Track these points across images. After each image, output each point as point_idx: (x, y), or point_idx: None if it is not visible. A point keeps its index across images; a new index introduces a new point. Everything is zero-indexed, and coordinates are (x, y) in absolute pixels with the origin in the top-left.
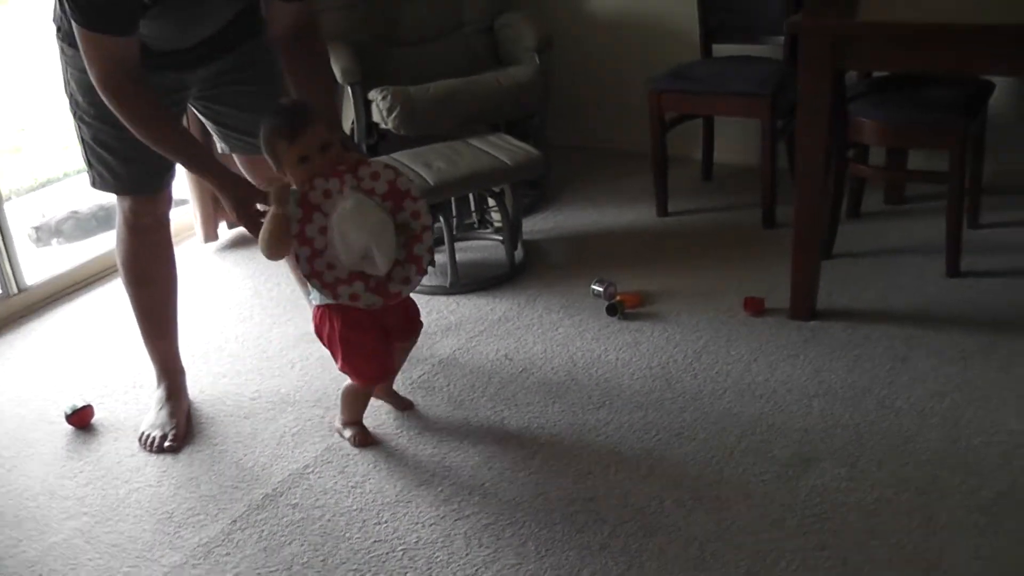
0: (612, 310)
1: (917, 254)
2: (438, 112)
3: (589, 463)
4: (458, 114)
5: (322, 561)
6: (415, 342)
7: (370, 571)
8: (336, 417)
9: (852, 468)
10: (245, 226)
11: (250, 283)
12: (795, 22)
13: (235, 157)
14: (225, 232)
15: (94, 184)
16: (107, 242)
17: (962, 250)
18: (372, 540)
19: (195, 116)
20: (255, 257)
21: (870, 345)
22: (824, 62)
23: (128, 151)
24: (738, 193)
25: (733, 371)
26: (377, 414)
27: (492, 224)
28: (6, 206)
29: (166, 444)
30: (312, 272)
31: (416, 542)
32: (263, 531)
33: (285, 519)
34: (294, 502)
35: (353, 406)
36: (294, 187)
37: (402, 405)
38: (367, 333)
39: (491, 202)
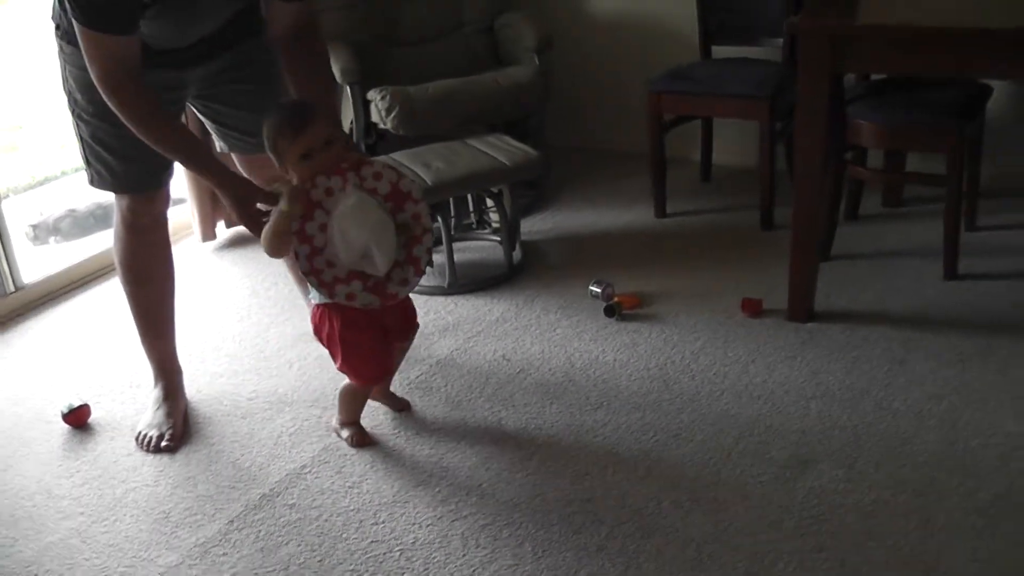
0: (610, 311)
1: (915, 256)
2: (437, 112)
3: (587, 464)
4: (457, 114)
5: (319, 561)
6: (412, 342)
7: (367, 571)
8: (333, 417)
9: (850, 470)
10: (245, 225)
11: (248, 282)
12: (794, 24)
13: (233, 156)
14: (223, 231)
15: (92, 182)
16: (105, 241)
17: (959, 253)
18: (369, 540)
19: (194, 115)
20: (253, 256)
21: (868, 347)
22: (823, 64)
23: (126, 149)
24: (736, 195)
25: (731, 372)
26: (375, 414)
27: (490, 224)
28: (3, 204)
29: (163, 444)
30: (311, 270)
31: (413, 542)
32: (260, 531)
33: (282, 519)
34: (291, 502)
35: (351, 406)
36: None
37: (399, 406)
38: (366, 333)
39: (489, 202)
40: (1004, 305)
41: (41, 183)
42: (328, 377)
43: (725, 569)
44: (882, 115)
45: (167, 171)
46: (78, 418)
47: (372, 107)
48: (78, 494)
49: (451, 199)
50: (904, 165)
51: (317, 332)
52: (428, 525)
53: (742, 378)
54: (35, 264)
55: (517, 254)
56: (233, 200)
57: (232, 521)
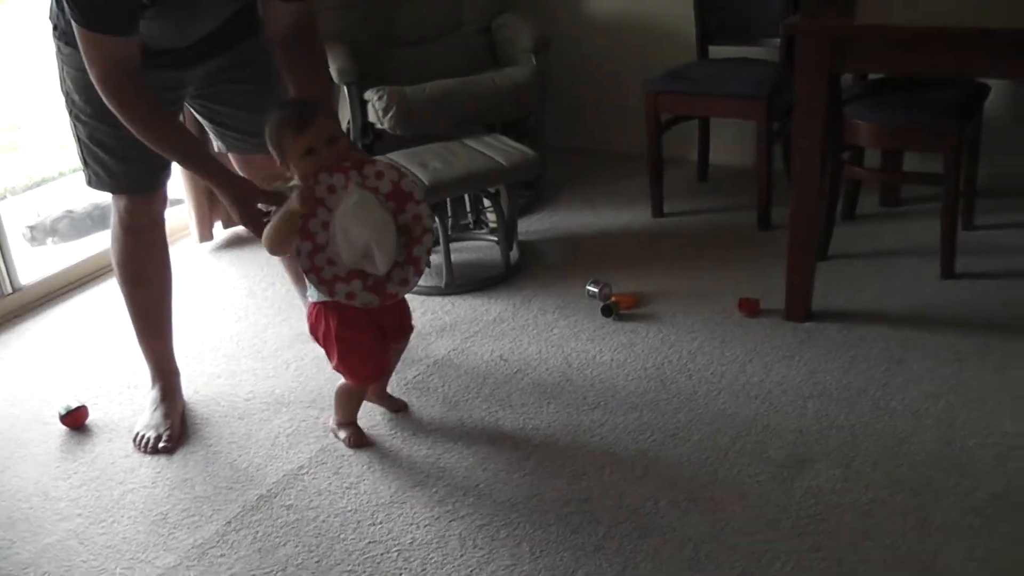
0: (607, 311)
1: (912, 256)
2: (434, 112)
3: (584, 464)
4: (454, 114)
5: (316, 562)
6: (406, 344)
7: (365, 572)
8: (331, 418)
9: (847, 469)
10: (245, 225)
11: (245, 283)
12: (792, 24)
13: (230, 156)
14: (220, 232)
15: (90, 183)
16: (102, 242)
17: (957, 252)
18: (367, 541)
19: (191, 115)
20: (250, 257)
21: (865, 346)
22: (821, 64)
23: (124, 150)
24: (734, 194)
25: (728, 372)
26: (372, 415)
27: (487, 225)
28: (1, 205)
29: (160, 445)
30: (311, 267)
31: (411, 543)
32: (258, 532)
33: (280, 520)
34: (289, 503)
35: (347, 406)
36: (295, 181)
37: (396, 407)
38: (363, 332)
39: (487, 203)
40: (1001, 304)
41: (39, 184)
42: (325, 378)
43: (722, 569)
44: (880, 115)
45: (165, 172)
46: (76, 419)
47: (369, 107)
48: (76, 496)
49: (448, 199)
50: (901, 165)
51: (313, 331)
52: (426, 525)
53: (739, 378)
54: (32, 265)
55: (514, 254)
56: (233, 200)
57: (230, 522)
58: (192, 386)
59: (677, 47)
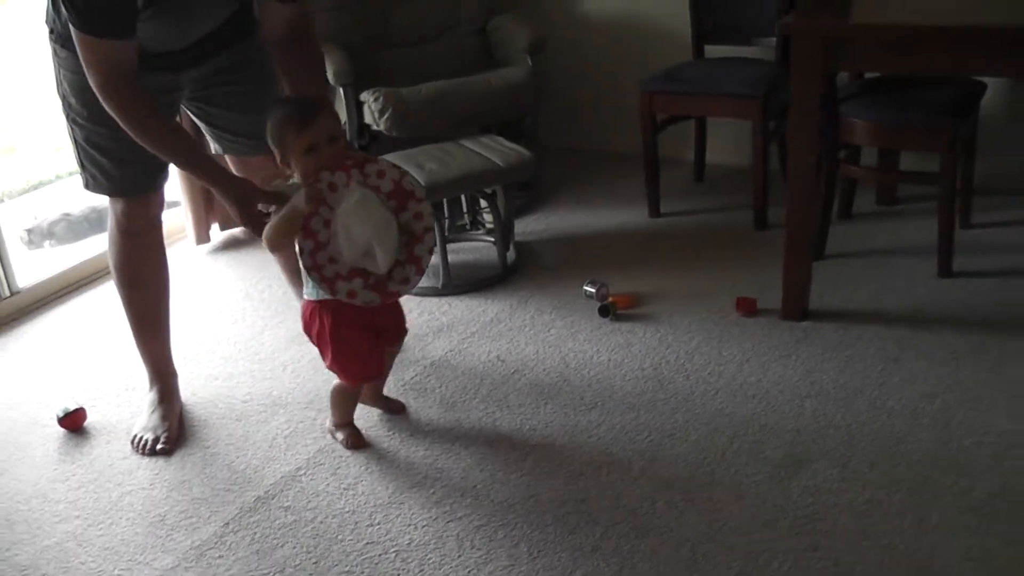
0: (604, 311)
1: (909, 255)
2: (430, 113)
3: (581, 464)
4: (450, 115)
5: (314, 563)
6: (400, 347)
7: (363, 573)
8: (328, 419)
9: (844, 469)
10: (246, 225)
11: (242, 285)
12: (787, 23)
13: (227, 158)
14: (217, 234)
15: (87, 186)
16: (99, 244)
17: (953, 251)
18: (364, 542)
19: (188, 117)
20: (247, 259)
21: (862, 346)
22: (816, 64)
23: (121, 153)
24: (730, 194)
25: (725, 372)
26: (369, 416)
27: (484, 225)
28: None
29: (158, 447)
30: (313, 265)
31: (408, 544)
32: (255, 533)
33: (277, 521)
34: (286, 504)
35: (342, 406)
36: (295, 179)
37: (393, 408)
38: (358, 331)
39: (483, 203)
40: (998, 303)
41: (36, 187)
42: (322, 379)
43: (719, 569)
44: (876, 113)
45: (162, 174)
46: (74, 422)
47: (365, 109)
48: (74, 498)
49: (445, 200)
50: (898, 163)
51: (307, 329)
52: (423, 526)
53: (736, 377)
54: (30, 268)
55: (511, 255)
56: (234, 201)
57: (227, 523)
58: (190, 388)
59: (673, 47)
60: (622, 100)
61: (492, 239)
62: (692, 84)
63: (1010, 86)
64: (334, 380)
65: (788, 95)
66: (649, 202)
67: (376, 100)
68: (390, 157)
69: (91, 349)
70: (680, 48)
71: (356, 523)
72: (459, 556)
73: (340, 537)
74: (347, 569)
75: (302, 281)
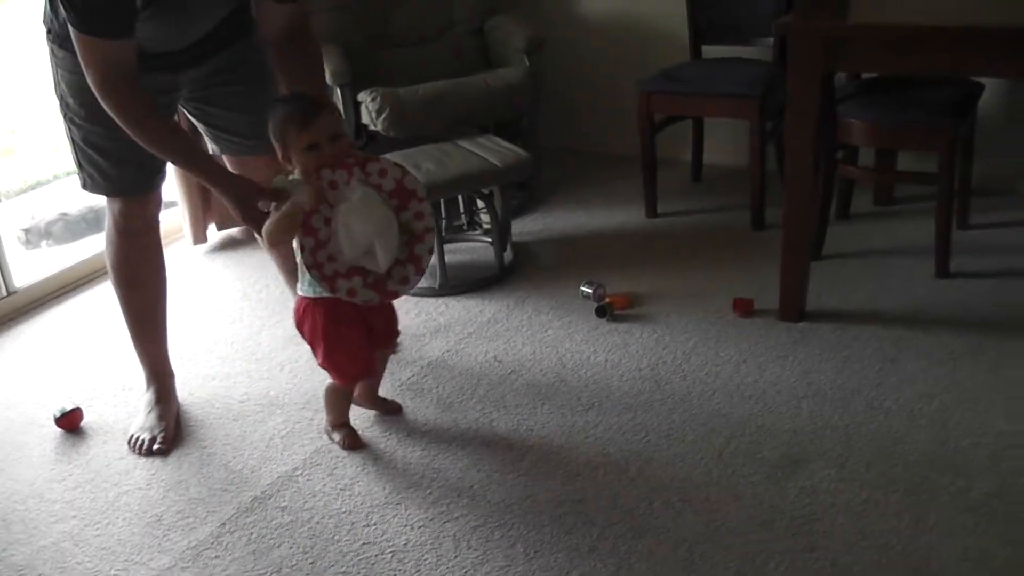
0: (601, 312)
1: (906, 255)
2: (427, 114)
3: (578, 465)
4: (447, 116)
5: (311, 564)
6: (392, 350)
7: (359, 573)
8: (324, 420)
9: (841, 469)
10: (247, 223)
11: (239, 285)
12: (785, 24)
13: (225, 158)
14: (214, 234)
15: (85, 186)
16: (97, 244)
17: (951, 251)
18: (361, 542)
19: (185, 118)
20: (244, 259)
21: (859, 346)
22: (814, 64)
23: (119, 153)
24: (727, 194)
25: (722, 372)
26: (366, 416)
27: (481, 226)
28: None
29: (155, 447)
30: (314, 263)
31: (405, 544)
32: (252, 534)
33: (274, 522)
34: (283, 505)
35: (337, 407)
36: (294, 175)
37: (390, 409)
38: (350, 330)
39: (480, 204)
40: (995, 304)
41: (33, 187)
42: (319, 380)
43: (716, 569)
44: (873, 114)
45: (159, 174)
46: (70, 422)
47: (362, 109)
48: (71, 498)
49: (442, 200)
50: (895, 164)
51: (299, 325)
52: (420, 527)
53: (733, 378)
54: (27, 268)
55: (508, 255)
56: (234, 200)
57: (224, 524)
58: (187, 388)
59: (670, 47)
60: (620, 100)
61: (489, 239)
62: (690, 84)
63: (1008, 87)
64: (329, 381)
65: (785, 95)
66: (646, 202)
67: (373, 100)
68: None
69: (88, 349)
70: (678, 48)
71: (353, 523)
72: (456, 556)
73: (337, 537)
74: (343, 569)
75: (297, 277)
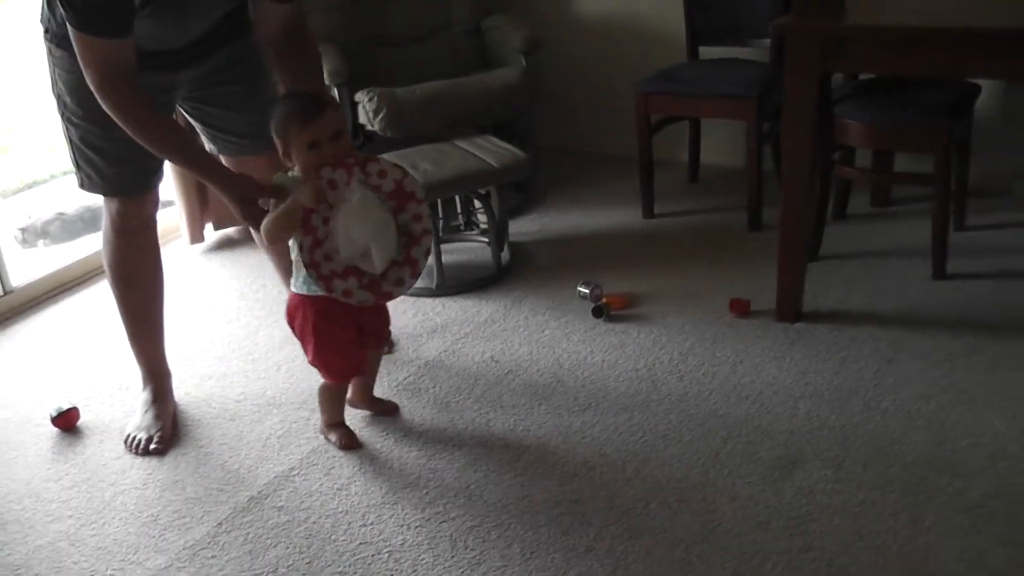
0: (598, 312)
1: (903, 256)
2: (424, 114)
3: (575, 465)
4: (444, 116)
5: (307, 564)
6: (383, 351)
7: (356, 573)
8: (320, 420)
9: (838, 470)
10: (247, 221)
11: (236, 285)
12: (782, 24)
13: (222, 159)
14: (211, 234)
15: (82, 185)
16: (93, 244)
17: (948, 252)
18: (358, 542)
19: (183, 118)
20: (241, 259)
21: (856, 347)
22: (811, 64)
23: (116, 152)
24: (724, 195)
25: (719, 373)
26: (362, 416)
27: (478, 226)
28: None
29: (152, 447)
30: (311, 262)
31: (401, 544)
32: (248, 534)
33: (270, 522)
34: (279, 504)
35: (331, 406)
36: (293, 173)
37: (386, 409)
38: (341, 328)
39: (477, 204)
40: (992, 305)
41: (30, 186)
42: (316, 379)
43: (713, 570)
44: (870, 115)
45: (156, 174)
46: (67, 421)
47: (360, 109)
48: (67, 497)
49: (439, 201)
50: (892, 165)
51: (290, 321)
52: (416, 527)
53: (730, 379)
54: (23, 267)
55: (505, 255)
56: (234, 198)
57: (220, 524)
58: (183, 388)
59: (667, 48)
60: (617, 101)
61: (486, 240)
62: (687, 85)
63: (1004, 88)
64: (322, 381)
65: (782, 96)
66: (643, 203)
67: (371, 100)
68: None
69: (85, 349)
70: (675, 49)
71: (349, 523)
72: (452, 557)
73: (333, 537)
74: (340, 569)
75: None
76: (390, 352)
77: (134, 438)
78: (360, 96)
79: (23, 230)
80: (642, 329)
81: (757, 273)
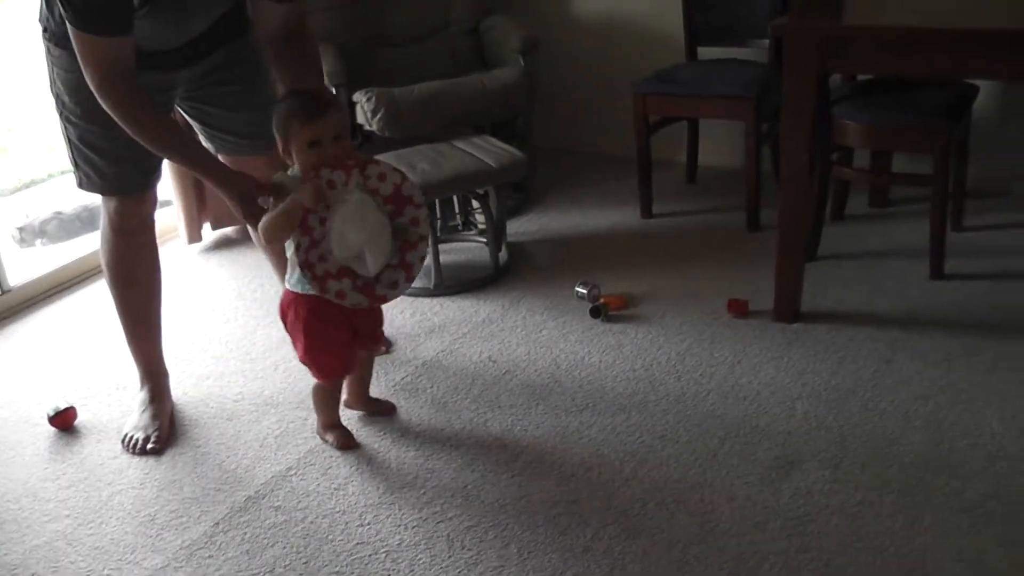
0: (596, 312)
1: (901, 257)
2: (422, 114)
3: (572, 465)
4: (442, 116)
5: (304, 563)
6: (376, 353)
7: (353, 573)
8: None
9: (836, 470)
10: (246, 219)
11: (234, 284)
12: (780, 25)
13: (220, 158)
14: (209, 233)
15: (80, 185)
16: (91, 243)
17: (946, 253)
18: (355, 542)
19: (181, 118)
20: (239, 259)
21: (854, 347)
22: (809, 65)
23: (115, 151)
24: (723, 196)
25: (717, 373)
26: (360, 416)
27: (476, 226)
28: None
29: (149, 446)
30: (306, 262)
31: (399, 544)
32: (246, 533)
33: (268, 521)
34: (277, 504)
35: (325, 407)
36: (294, 170)
37: (383, 409)
38: (333, 327)
39: (475, 204)
40: (990, 305)
41: (27, 186)
42: (313, 380)
43: (710, 570)
44: (869, 115)
45: (155, 173)
46: (64, 421)
47: (358, 109)
48: (64, 497)
49: (437, 201)
50: (890, 165)
51: (283, 317)
52: (414, 527)
53: (728, 379)
54: (21, 267)
55: (503, 255)
56: (235, 197)
57: (218, 523)
58: (181, 387)
59: (666, 49)
60: (615, 101)
61: (484, 240)
62: (685, 86)
63: (1003, 89)
64: (315, 382)
65: (781, 96)
66: (641, 203)
67: (368, 100)
68: (382, 158)
69: (82, 348)
70: (673, 49)
71: (346, 523)
72: (449, 557)
73: (330, 537)
74: (337, 569)
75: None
76: (387, 352)
77: (131, 438)
78: (358, 96)
79: (21, 229)
80: (640, 329)
81: (755, 273)
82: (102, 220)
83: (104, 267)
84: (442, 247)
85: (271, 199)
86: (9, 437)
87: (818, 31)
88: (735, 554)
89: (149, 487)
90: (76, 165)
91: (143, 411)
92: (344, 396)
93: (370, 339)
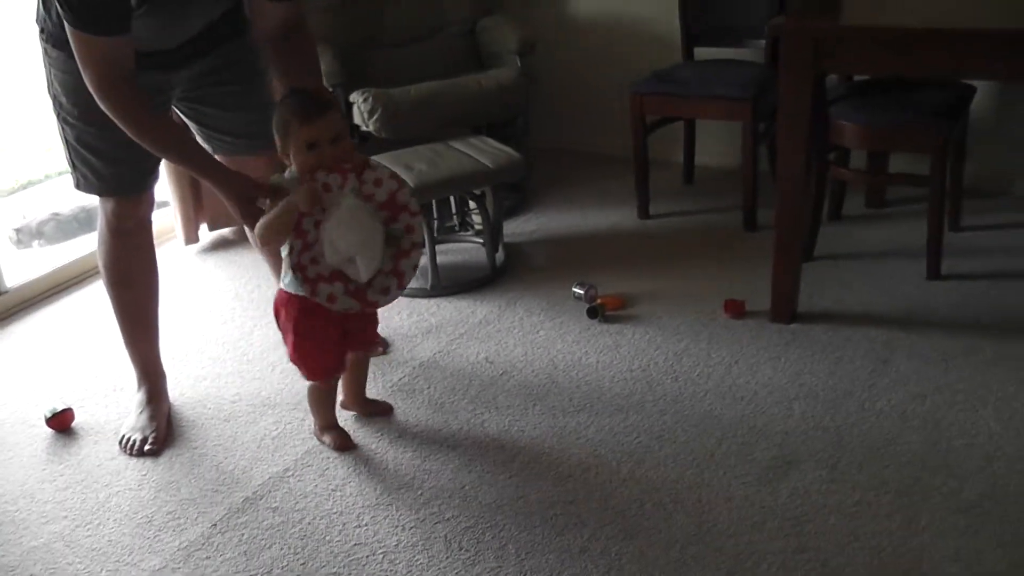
0: (593, 313)
1: (898, 257)
2: (419, 114)
3: (569, 466)
4: (439, 116)
5: (302, 564)
6: (370, 355)
7: (350, 574)
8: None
9: (833, 470)
10: (244, 219)
11: (231, 285)
12: (777, 25)
13: (217, 158)
14: (206, 234)
15: (78, 186)
16: (88, 244)
17: (943, 253)
18: (352, 543)
19: (178, 118)
20: (236, 260)
21: (851, 347)
22: (806, 65)
23: (112, 152)
24: (719, 196)
25: (714, 374)
26: (357, 417)
27: (473, 227)
28: None
29: (146, 447)
30: (298, 265)
31: (396, 545)
32: (243, 535)
33: (265, 523)
34: (274, 505)
35: (321, 408)
36: (290, 171)
37: (380, 410)
38: (324, 327)
39: (472, 204)
40: (987, 305)
41: (25, 187)
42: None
43: (708, 570)
44: (865, 116)
45: (152, 174)
46: (61, 422)
47: (355, 109)
48: (61, 498)
49: (434, 201)
50: (887, 166)
51: (276, 315)
52: (411, 527)
53: (725, 379)
54: (18, 268)
55: (500, 256)
56: (233, 197)
57: (215, 524)
58: (178, 388)
59: (663, 49)
60: (612, 102)
61: (481, 240)
62: (682, 86)
63: (1000, 89)
64: (309, 384)
65: (778, 97)
66: (639, 203)
67: (365, 101)
68: (379, 158)
69: (79, 349)
70: (670, 50)
71: (344, 524)
72: (447, 557)
73: (328, 538)
74: (335, 570)
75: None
76: (384, 353)
77: (129, 439)
78: (355, 96)
79: (18, 230)
80: (637, 330)
81: (752, 274)
82: (99, 221)
83: (101, 268)
84: (439, 248)
85: (267, 200)
86: (6, 438)
87: (814, 31)
88: (732, 554)
89: (147, 488)
90: (73, 166)
91: (140, 412)
92: (341, 397)
93: (361, 340)
